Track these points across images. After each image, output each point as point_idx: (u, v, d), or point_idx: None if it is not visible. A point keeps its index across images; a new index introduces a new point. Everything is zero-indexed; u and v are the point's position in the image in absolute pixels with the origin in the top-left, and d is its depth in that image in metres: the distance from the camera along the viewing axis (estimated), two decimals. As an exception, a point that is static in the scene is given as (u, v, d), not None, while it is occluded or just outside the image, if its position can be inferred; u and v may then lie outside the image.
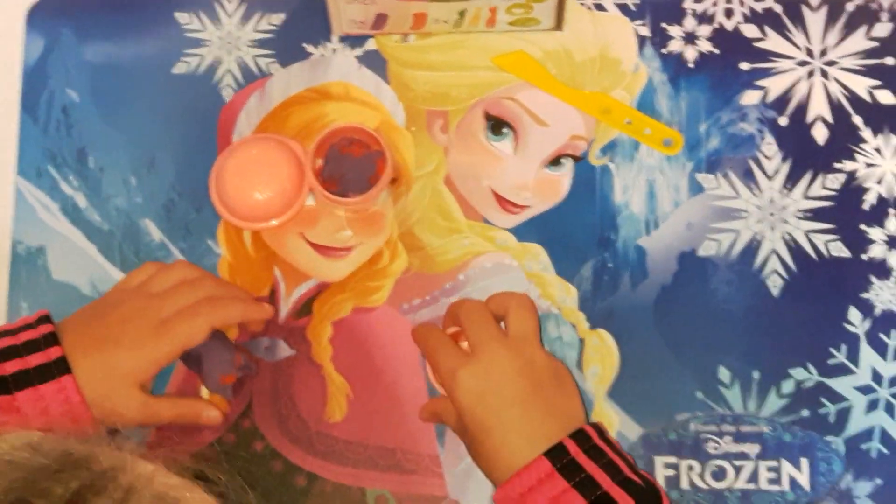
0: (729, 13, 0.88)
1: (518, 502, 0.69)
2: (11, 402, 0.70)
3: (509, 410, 0.72)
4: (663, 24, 0.88)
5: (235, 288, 0.82)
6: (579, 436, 0.71)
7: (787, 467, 0.79)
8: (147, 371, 0.74)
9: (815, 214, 0.84)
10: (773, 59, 0.87)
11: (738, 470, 0.79)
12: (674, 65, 0.87)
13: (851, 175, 0.84)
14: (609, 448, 0.71)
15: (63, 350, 0.72)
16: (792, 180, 0.84)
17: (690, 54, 0.87)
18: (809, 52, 0.87)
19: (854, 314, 0.81)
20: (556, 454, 0.70)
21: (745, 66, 0.87)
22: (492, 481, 0.73)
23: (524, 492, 0.69)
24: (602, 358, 0.82)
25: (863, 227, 0.83)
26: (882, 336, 0.81)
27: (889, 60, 0.86)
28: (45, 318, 0.75)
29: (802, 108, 0.85)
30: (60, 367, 0.72)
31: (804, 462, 0.79)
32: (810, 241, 0.83)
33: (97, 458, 0.49)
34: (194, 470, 0.54)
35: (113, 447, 0.51)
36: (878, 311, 0.81)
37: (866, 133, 0.85)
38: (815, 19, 0.87)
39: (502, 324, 0.77)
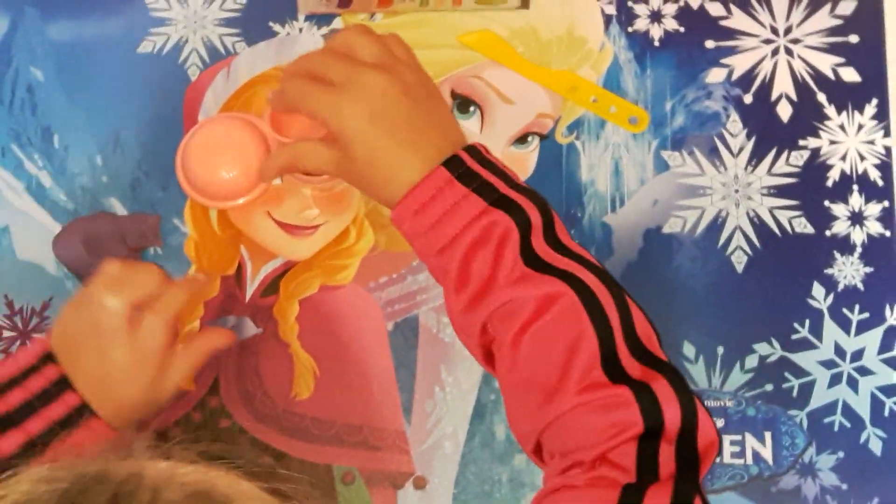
0: (694, -9, 0.88)
1: (418, 213, 0.69)
2: (43, 456, 0.68)
3: (399, 130, 0.70)
4: (629, 3, 0.88)
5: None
6: (471, 150, 0.71)
7: (750, 441, 0.79)
8: (146, 381, 0.73)
9: (780, 191, 0.84)
10: (738, 37, 0.87)
11: (702, 444, 0.80)
12: (640, 43, 0.87)
13: (815, 152, 0.85)
14: (498, 162, 0.72)
15: (79, 396, 0.70)
16: (756, 157, 0.85)
17: (656, 32, 0.87)
18: (774, 30, 0.87)
19: (818, 290, 0.82)
20: (453, 164, 0.70)
21: (710, 44, 0.87)
22: (387, 203, 0.72)
23: (425, 201, 0.69)
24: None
25: (826, 203, 0.84)
26: (845, 311, 0.82)
27: (853, 38, 0.87)
28: (49, 357, 0.71)
29: (767, 86, 0.86)
30: (83, 412, 0.70)
31: (767, 436, 0.80)
32: (774, 217, 0.84)
33: (112, 471, 0.50)
34: (207, 455, 0.54)
35: (121, 456, 0.52)
36: (841, 286, 0.82)
37: (830, 110, 0.85)
38: (779, -3, 0.88)
39: None
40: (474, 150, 0.71)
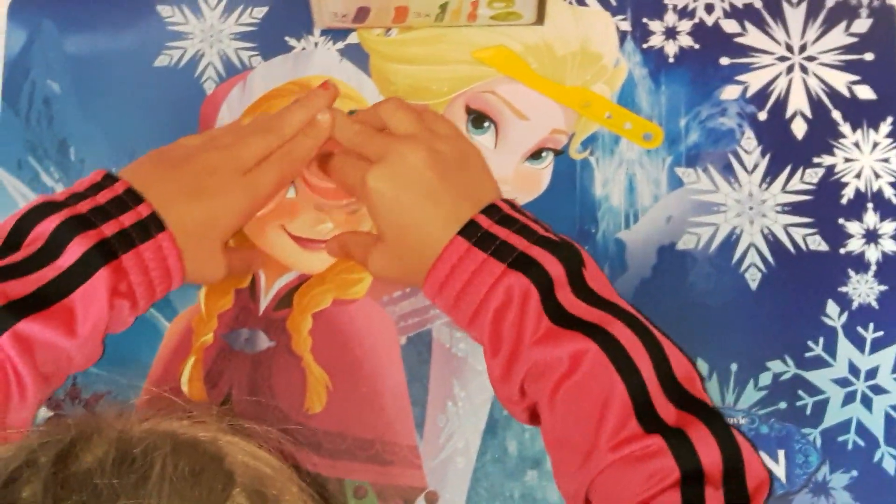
0: (709, 8, 0.88)
1: (444, 287, 0.70)
2: (119, 266, 0.69)
3: (422, 205, 0.72)
4: (644, 19, 0.88)
5: (290, 114, 0.80)
6: (490, 209, 0.72)
7: (763, 459, 0.79)
8: (235, 224, 0.75)
9: (794, 208, 0.84)
10: (753, 54, 0.87)
11: (715, 462, 0.79)
12: (654, 59, 0.87)
13: (830, 169, 0.85)
14: (521, 216, 0.72)
15: (150, 206, 0.71)
16: (771, 175, 0.85)
17: (671, 49, 0.87)
18: (789, 48, 0.87)
19: (832, 308, 0.82)
20: (470, 230, 0.70)
21: (725, 61, 0.87)
22: (417, 282, 0.74)
23: (447, 273, 0.70)
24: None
25: (841, 221, 0.84)
26: (859, 329, 0.81)
27: (868, 56, 0.87)
28: (112, 177, 0.73)
29: (782, 103, 0.86)
30: (155, 224, 0.70)
31: (781, 454, 0.79)
32: (789, 234, 0.83)
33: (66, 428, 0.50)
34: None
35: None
36: (855, 304, 0.82)
37: (845, 128, 0.85)
38: (794, 15, 0.88)
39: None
40: (493, 209, 0.72)
